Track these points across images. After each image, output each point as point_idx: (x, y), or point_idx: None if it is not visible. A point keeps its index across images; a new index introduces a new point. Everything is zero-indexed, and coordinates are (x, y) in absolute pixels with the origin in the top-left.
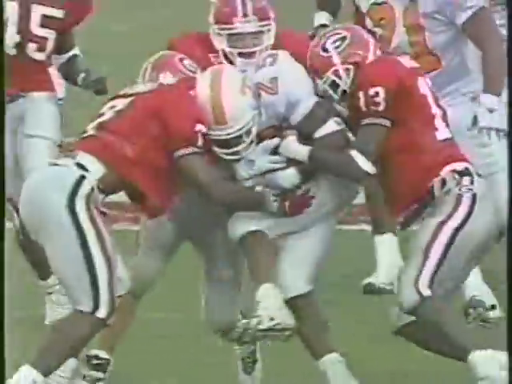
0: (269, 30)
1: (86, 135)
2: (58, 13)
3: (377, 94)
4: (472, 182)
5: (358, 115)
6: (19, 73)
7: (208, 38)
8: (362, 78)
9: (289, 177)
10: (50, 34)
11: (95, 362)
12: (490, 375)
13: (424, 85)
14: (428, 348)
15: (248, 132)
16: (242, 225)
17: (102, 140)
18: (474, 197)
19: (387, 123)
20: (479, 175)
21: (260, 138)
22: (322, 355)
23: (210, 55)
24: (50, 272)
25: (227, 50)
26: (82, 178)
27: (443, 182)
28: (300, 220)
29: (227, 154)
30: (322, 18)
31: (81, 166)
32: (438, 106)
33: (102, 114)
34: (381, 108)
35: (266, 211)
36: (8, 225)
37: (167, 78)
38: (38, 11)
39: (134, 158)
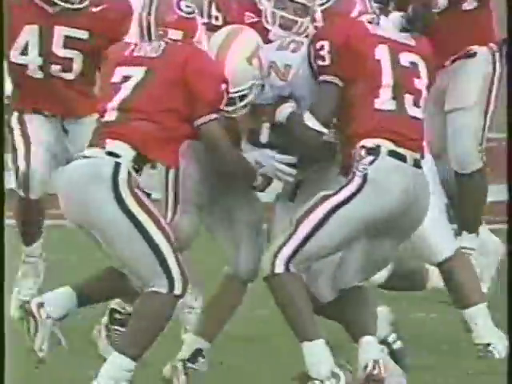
0: (314, 9)
1: (107, 120)
2: (82, 34)
3: (322, 47)
4: (372, 163)
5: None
6: (51, 95)
7: (249, 1)
8: (315, 32)
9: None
10: (75, 55)
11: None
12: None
13: (385, 52)
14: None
15: (242, 97)
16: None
17: (125, 123)
18: (364, 177)
19: (338, 82)
20: (400, 158)
21: (260, 113)
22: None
23: (246, 13)
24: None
25: (270, 9)
26: (118, 164)
27: (354, 156)
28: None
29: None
30: None
31: (112, 154)
32: (397, 77)
33: (118, 86)
34: (326, 62)
35: (253, 184)
36: (8, 222)
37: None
38: (60, 32)
39: (154, 136)
